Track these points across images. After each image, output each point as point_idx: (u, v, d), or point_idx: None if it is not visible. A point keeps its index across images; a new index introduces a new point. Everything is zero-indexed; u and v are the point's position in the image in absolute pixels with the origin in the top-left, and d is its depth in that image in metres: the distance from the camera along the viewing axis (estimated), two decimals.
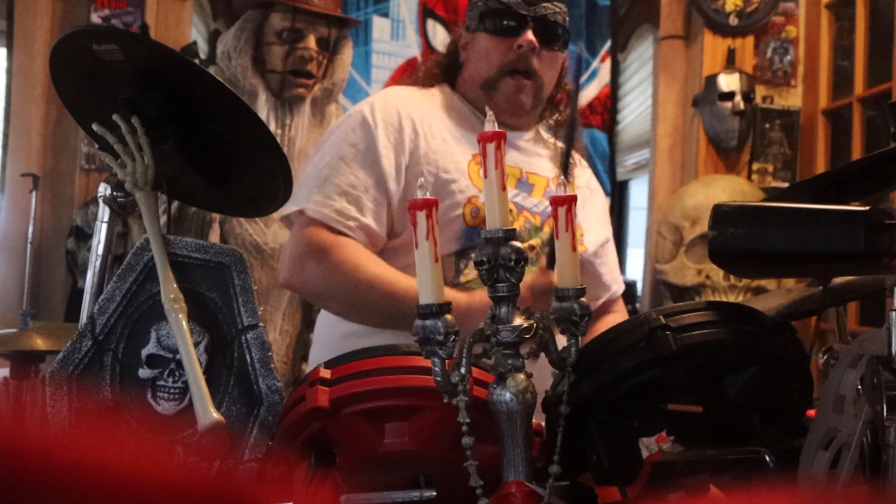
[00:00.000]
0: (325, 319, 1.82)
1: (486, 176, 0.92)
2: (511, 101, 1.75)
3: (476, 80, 1.76)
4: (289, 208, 1.66)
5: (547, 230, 1.73)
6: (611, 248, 1.91)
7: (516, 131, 1.79)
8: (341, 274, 1.59)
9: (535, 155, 1.82)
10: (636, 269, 4.91)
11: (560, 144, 1.84)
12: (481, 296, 1.49)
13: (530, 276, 1.55)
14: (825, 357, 1.22)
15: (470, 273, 1.64)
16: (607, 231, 1.91)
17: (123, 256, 1.10)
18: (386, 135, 1.67)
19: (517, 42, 1.70)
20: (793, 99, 4.11)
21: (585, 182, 1.89)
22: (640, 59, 4.70)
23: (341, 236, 1.62)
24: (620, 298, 1.95)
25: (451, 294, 1.47)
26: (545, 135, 1.88)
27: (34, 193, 2.20)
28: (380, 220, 1.65)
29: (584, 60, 4.59)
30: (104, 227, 1.16)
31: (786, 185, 4.01)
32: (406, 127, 1.68)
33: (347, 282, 1.59)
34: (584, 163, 1.95)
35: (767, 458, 0.99)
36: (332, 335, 1.74)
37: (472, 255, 1.60)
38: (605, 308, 1.89)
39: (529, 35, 1.70)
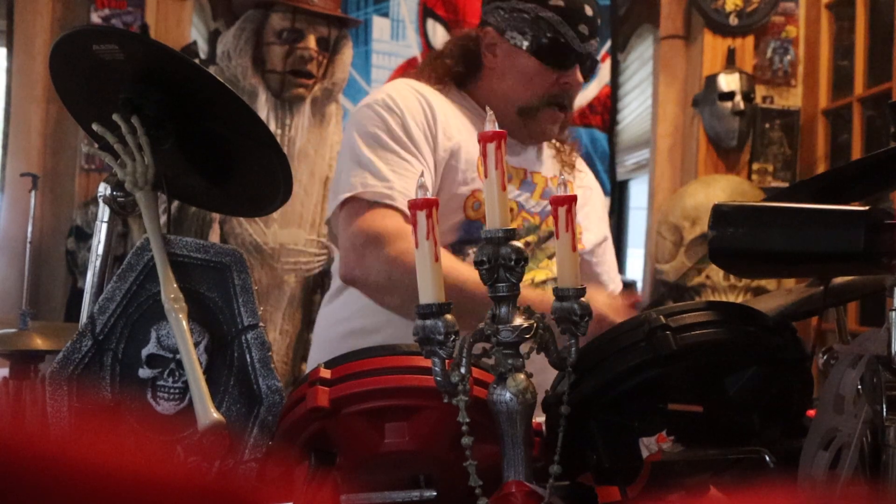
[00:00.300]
0: (324, 320, 1.81)
1: (486, 176, 0.92)
2: (544, 130, 1.75)
3: (512, 101, 1.72)
4: (334, 204, 1.61)
5: (545, 228, 1.73)
6: (608, 247, 1.90)
7: (530, 146, 1.81)
8: (402, 264, 1.50)
9: (540, 155, 1.83)
10: (636, 269, 4.90)
11: (558, 143, 1.86)
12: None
13: (603, 298, 1.56)
14: (825, 357, 1.22)
15: None
16: (605, 230, 1.90)
17: (123, 256, 1.10)
18: (414, 121, 1.64)
19: (565, 78, 1.70)
20: (793, 99, 4.11)
21: (585, 182, 1.89)
22: (640, 59, 4.70)
23: (399, 220, 1.55)
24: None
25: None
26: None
27: (34, 193, 2.20)
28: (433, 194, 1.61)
29: None
30: (104, 227, 1.16)
31: (786, 185, 4.01)
32: (428, 114, 1.66)
33: (409, 273, 1.53)
34: (582, 162, 1.95)
35: (767, 458, 0.99)
36: (331, 335, 1.74)
37: (468, 250, 1.62)
38: None
39: (579, 75, 1.71)
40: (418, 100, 1.67)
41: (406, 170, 1.59)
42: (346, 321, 1.70)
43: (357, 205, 1.58)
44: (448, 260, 1.52)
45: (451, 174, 1.64)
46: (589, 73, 1.76)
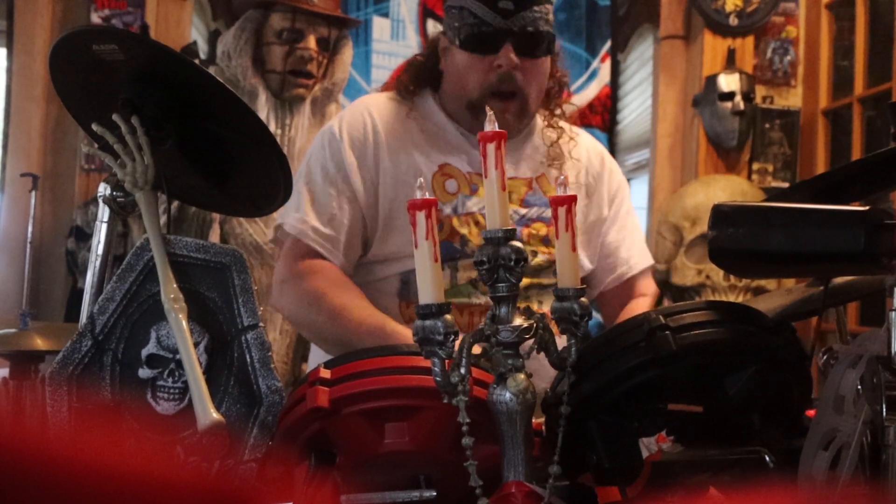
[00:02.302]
0: None
1: (486, 176, 0.92)
2: (498, 122, 1.68)
3: (460, 99, 1.68)
4: (276, 220, 1.68)
5: (524, 236, 1.66)
6: (622, 222, 1.80)
7: (515, 137, 1.72)
8: (307, 302, 1.59)
9: (518, 154, 1.73)
10: None
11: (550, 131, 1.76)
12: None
13: None
14: (825, 357, 1.22)
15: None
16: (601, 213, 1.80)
17: (123, 256, 1.10)
18: (352, 149, 1.66)
19: (496, 61, 1.60)
20: (793, 99, 4.11)
21: (585, 171, 1.78)
22: (640, 59, 4.70)
23: (317, 260, 1.62)
24: (647, 281, 1.81)
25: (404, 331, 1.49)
26: (541, 123, 1.77)
27: (34, 193, 2.20)
28: (354, 235, 1.64)
29: (584, 60, 4.60)
30: (104, 227, 1.16)
31: (786, 185, 4.01)
32: (369, 140, 1.66)
33: (312, 311, 1.59)
34: (576, 131, 1.81)
35: (767, 458, 0.99)
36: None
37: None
38: (628, 290, 1.78)
39: (509, 54, 1.59)
40: (366, 125, 1.68)
41: (332, 207, 1.63)
42: None
43: (286, 239, 1.66)
44: (353, 300, 1.57)
45: (405, 190, 1.62)
46: (545, 47, 1.64)
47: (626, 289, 1.79)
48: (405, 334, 1.47)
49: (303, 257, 1.62)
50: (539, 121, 1.78)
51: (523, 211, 1.69)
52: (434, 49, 1.75)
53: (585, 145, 1.82)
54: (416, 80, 1.75)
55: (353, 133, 1.67)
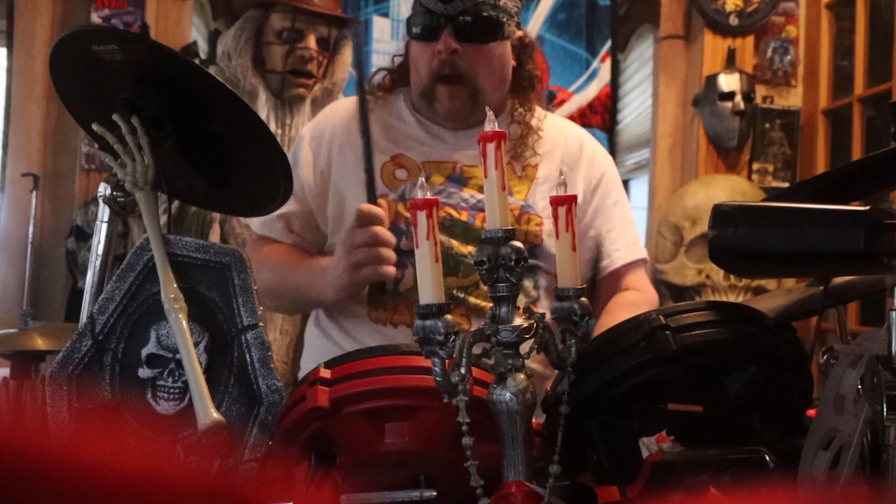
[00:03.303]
0: (316, 338, 1.77)
1: (486, 176, 0.92)
2: (448, 108, 1.68)
3: (416, 90, 1.72)
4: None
5: (479, 225, 1.63)
6: (608, 210, 1.77)
7: (473, 128, 1.70)
8: (258, 269, 1.57)
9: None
10: None
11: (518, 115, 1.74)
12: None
13: None
14: (825, 357, 1.22)
15: (409, 281, 1.61)
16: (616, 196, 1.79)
17: (123, 256, 1.10)
18: (310, 146, 1.74)
19: (437, 48, 1.62)
20: (793, 99, 4.11)
21: (548, 134, 1.76)
22: (640, 59, 4.70)
23: (269, 243, 1.74)
24: (636, 275, 1.77)
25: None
26: (516, 115, 1.74)
27: (34, 193, 2.20)
28: (305, 222, 1.73)
29: (584, 60, 4.60)
30: (104, 226, 1.16)
31: (786, 185, 4.01)
32: (326, 136, 1.74)
33: (261, 275, 1.58)
34: (546, 114, 1.80)
35: (767, 458, 0.99)
36: (323, 342, 1.72)
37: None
38: (612, 285, 1.75)
39: (446, 37, 1.60)
40: (326, 124, 1.77)
41: (287, 205, 1.65)
42: (332, 330, 1.68)
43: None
44: (294, 254, 1.71)
45: (351, 183, 1.67)
46: (479, 34, 1.62)
47: (613, 282, 1.75)
48: (316, 264, 1.64)
49: (258, 244, 1.75)
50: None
51: (480, 196, 1.67)
52: (406, 50, 1.77)
53: (556, 136, 1.78)
54: (392, 79, 1.80)
55: (314, 132, 1.77)
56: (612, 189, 1.78)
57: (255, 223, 1.80)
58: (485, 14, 1.60)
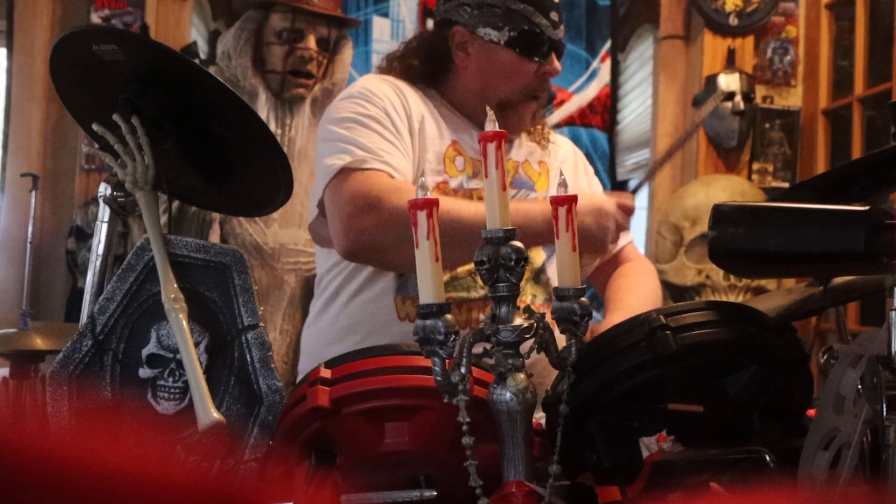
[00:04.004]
0: (314, 338, 1.76)
1: (486, 176, 0.92)
2: (522, 121, 1.74)
3: (490, 97, 1.67)
4: (315, 201, 1.60)
5: None
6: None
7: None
8: (400, 222, 1.43)
9: (512, 143, 1.78)
10: None
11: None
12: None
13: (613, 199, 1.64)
14: (825, 357, 1.22)
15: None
16: (596, 191, 1.89)
17: (123, 256, 1.10)
18: (394, 108, 1.63)
19: (544, 69, 1.68)
20: (793, 99, 4.11)
21: (560, 155, 1.85)
22: (640, 59, 4.70)
23: (388, 178, 1.53)
24: (630, 247, 1.87)
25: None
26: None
27: (34, 193, 2.20)
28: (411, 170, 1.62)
29: (584, 60, 4.60)
30: (104, 227, 1.16)
31: (786, 185, 4.01)
32: (406, 104, 1.65)
33: (408, 228, 1.51)
34: (554, 133, 1.90)
35: (767, 458, 0.99)
36: (319, 342, 1.71)
37: None
38: (616, 260, 1.84)
39: (556, 62, 1.69)
40: (395, 91, 1.67)
41: (389, 144, 1.58)
42: (337, 342, 1.65)
43: (341, 177, 1.54)
44: (445, 200, 1.49)
45: (421, 165, 1.63)
46: (561, 59, 1.73)
47: (612, 262, 1.85)
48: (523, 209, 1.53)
49: (369, 182, 1.52)
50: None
51: (512, 192, 1.72)
52: (435, 42, 1.73)
53: (563, 151, 1.90)
54: (416, 77, 1.74)
55: (389, 95, 1.64)
56: (595, 182, 1.94)
57: (348, 161, 1.54)
58: (565, 43, 1.73)
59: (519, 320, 0.92)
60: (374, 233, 1.51)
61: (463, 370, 0.90)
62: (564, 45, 1.72)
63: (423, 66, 1.73)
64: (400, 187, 1.51)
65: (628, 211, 1.64)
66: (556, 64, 1.69)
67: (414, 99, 1.68)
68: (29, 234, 2.19)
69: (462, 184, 1.66)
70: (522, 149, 1.79)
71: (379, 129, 1.59)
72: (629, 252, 1.88)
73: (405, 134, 1.62)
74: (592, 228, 1.58)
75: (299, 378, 1.12)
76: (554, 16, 1.66)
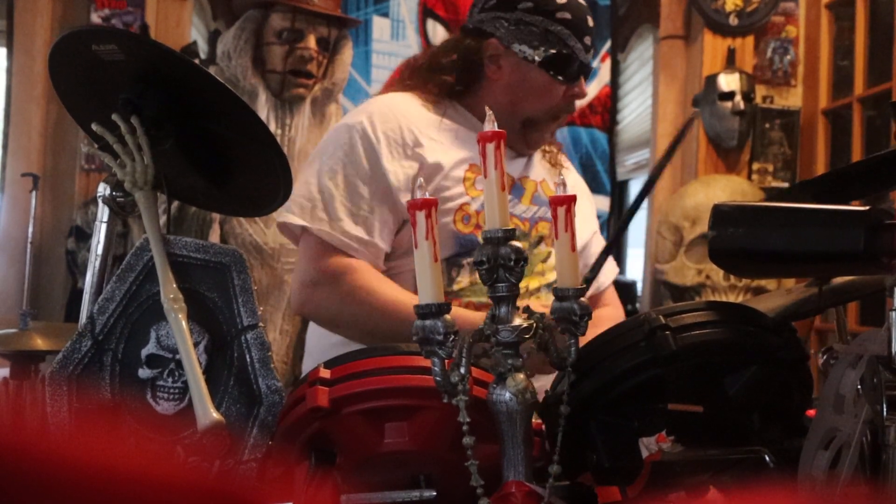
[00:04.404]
0: (317, 329, 1.79)
1: (486, 176, 0.92)
2: (543, 139, 1.78)
3: (518, 113, 1.70)
4: (290, 218, 1.63)
5: (535, 234, 1.72)
6: (596, 241, 1.88)
7: (524, 156, 1.80)
8: (355, 301, 1.58)
9: (530, 160, 1.81)
10: (636, 269, 4.90)
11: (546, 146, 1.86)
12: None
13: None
14: (825, 357, 1.22)
15: (462, 280, 1.62)
16: (592, 226, 1.90)
17: (123, 256, 1.10)
18: (389, 150, 1.63)
19: (574, 90, 1.71)
20: (793, 99, 4.11)
21: (569, 180, 1.88)
22: (640, 59, 4.70)
23: (349, 258, 1.61)
24: (611, 290, 1.91)
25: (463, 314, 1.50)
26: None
27: (34, 193, 2.20)
28: (386, 239, 1.63)
29: None
30: (104, 227, 1.16)
31: (786, 185, 4.01)
32: (408, 139, 1.64)
33: (361, 309, 1.58)
34: (567, 161, 1.94)
35: (767, 458, 0.99)
36: (324, 344, 1.72)
37: (464, 262, 1.62)
38: (595, 302, 1.85)
39: (584, 86, 1.73)
40: (398, 121, 1.66)
41: (363, 210, 1.62)
42: (343, 344, 1.66)
43: (310, 240, 1.63)
44: (402, 293, 1.57)
45: (436, 192, 1.62)
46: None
47: (595, 297, 1.85)
48: (471, 318, 1.48)
49: (331, 257, 1.61)
50: None
51: (534, 209, 1.74)
52: (468, 55, 1.72)
53: (573, 176, 1.94)
54: (447, 90, 1.74)
55: (388, 132, 1.64)
56: (592, 215, 1.95)
57: (322, 229, 1.61)
58: (593, 65, 1.78)
59: (518, 320, 0.92)
60: (323, 308, 1.64)
61: (462, 370, 0.90)
62: (592, 68, 1.76)
63: (457, 80, 1.73)
64: (355, 267, 1.60)
65: None
66: (584, 87, 1.73)
67: (425, 124, 1.68)
68: (29, 234, 2.18)
69: (483, 205, 1.67)
70: (538, 168, 1.81)
71: (356, 183, 1.62)
72: (609, 296, 1.89)
73: (391, 176, 1.61)
74: None
75: (303, 367, 1.13)
76: (588, 40, 1.69)
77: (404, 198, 1.61)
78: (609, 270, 1.86)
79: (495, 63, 1.71)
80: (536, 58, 1.67)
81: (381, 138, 1.63)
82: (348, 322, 1.62)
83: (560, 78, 1.69)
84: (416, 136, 1.65)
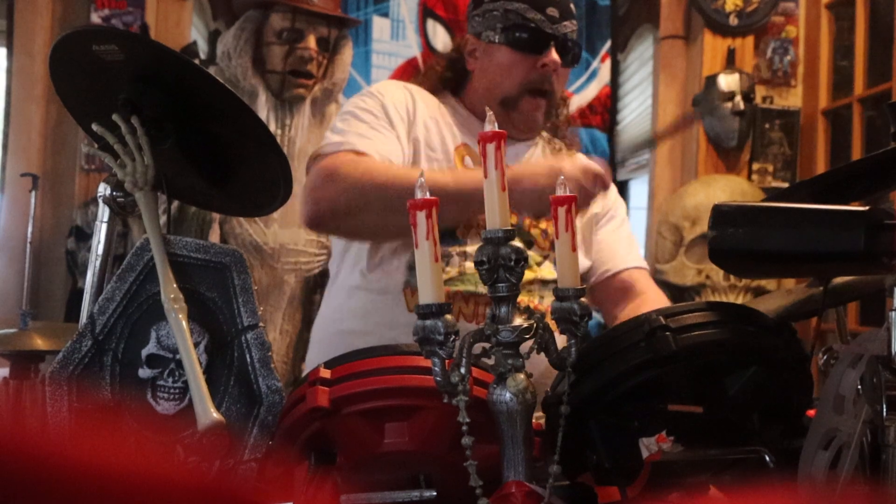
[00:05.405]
0: (320, 318, 1.82)
1: (486, 176, 0.92)
2: (528, 119, 1.78)
3: (494, 95, 1.76)
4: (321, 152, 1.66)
5: (534, 231, 1.74)
6: (621, 228, 1.90)
7: (523, 142, 1.82)
8: (374, 175, 1.55)
9: (529, 154, 1.83)
10: None
11: (560, 144, 1.86)
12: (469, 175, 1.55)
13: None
14: (825, 357, 1.22)
15: (451, 270, 1.64)
16: (635, 256, 1.90)
17: (123, 256, 1.10)
18: (394, 105, 1.71)
19: (542, 61, 1.72)
20: (793, 99, 4.11)
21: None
22: (640, 59, 4.69)
23: (348, 156, 1.59)
24: (643, 278, 1.86)
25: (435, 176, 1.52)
26: (545, 135, 1.89)
27: (34, 193, 2.20)
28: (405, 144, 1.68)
29: (584, 60, 4.60)
30: (104, 227, 1.16)
31: (786, 185, 4.01)
32: (410, 104, 1.73)
33: (383, 181, 1.54)
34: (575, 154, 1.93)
35: (767, 458, 0.99)
36: (325, 334, 1.75)
37: (453, 252, 1.63)
38: (628, 291, 1.82)
39: (554, 55, 1.72)
40: (404, 93, 1.75)
41: (374, 131, 1.65)
42: (339, 321, 1.73)
43: (316, 159, 1.64)
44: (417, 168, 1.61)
45: (430, 164, 1.69)
46: (573, 57, 1.77)
47: (614, 285, 1.83)
48: (470, 174, 1.55)
49: (345, 155, 1.60)
50: (543, 136, 1.88)
51: None
52: (459, 55, 1.83)
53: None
54: (440, 84, 1.83)
55: (394, 94, 1.73)
56: (619, 214, 1.95)
57: (333, 143, 1.63)
58: (576, 39, 1.76)
59: (519, 320, 0.92)
60: (331, 201, 1.58)
61: (462, 370, 0.90)
62: (576, 42, 1.75)
63: (446, 72, 1.83)
64: (357, 160, 1.58)
65: (597, 176, 1.56)
66: (554, 56, 1.72)
67: (426, 103, 1.76)
68: (29, 234, 2.18)
69: None
70: (534, 161, 1.81)
71: (369, 119, 1.68)
72: (642, 281, 1.84)
73: (399, 125, 1.69)
74: (547, 189, 1.56)
75: (305, 372, 1.13)
76: (552, 11, 1.72)
77: (406, 148, 1.68)
78: (623, 258, 1.85)
79: (472, 56, 1.81)
80: (499, 37, 1.74)
81: (385, 95, 1.73)
82: (370, 202, 1.55)
83: (523, 51, 1.72)
84: (415, 106, 1.73)
